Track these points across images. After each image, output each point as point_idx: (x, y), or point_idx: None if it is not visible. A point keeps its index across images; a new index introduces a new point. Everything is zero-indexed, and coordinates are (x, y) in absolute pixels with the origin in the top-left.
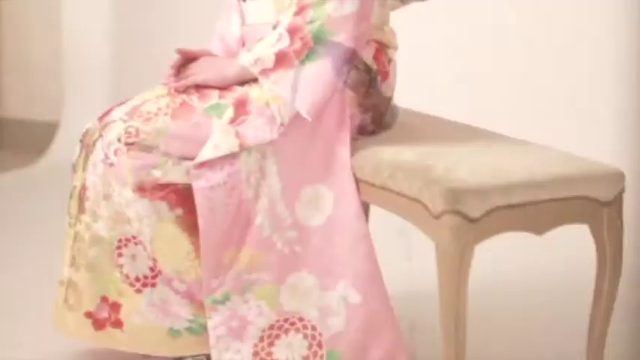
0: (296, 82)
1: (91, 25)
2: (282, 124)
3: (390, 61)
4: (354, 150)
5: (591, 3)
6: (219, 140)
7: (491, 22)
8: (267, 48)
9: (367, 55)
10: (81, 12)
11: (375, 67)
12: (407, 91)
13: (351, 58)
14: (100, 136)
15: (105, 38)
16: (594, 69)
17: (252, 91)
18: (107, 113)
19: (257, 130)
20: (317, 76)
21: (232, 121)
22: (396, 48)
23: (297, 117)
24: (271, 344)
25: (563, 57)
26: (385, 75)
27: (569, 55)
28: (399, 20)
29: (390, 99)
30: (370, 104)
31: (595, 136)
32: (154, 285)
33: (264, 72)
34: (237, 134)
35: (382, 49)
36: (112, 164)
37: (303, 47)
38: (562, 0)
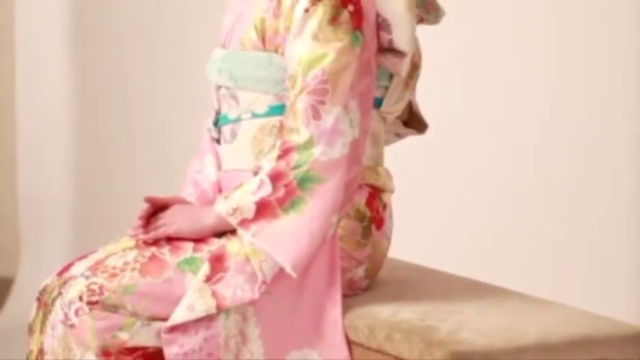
0: (280, 234)
1: (50, 169)
2: (264, 282)
3: (385, 206)
4: (346, 308)
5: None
6: (193, 301)
7: (492, 161)
8: (246, 196)
9: (359, 201)
10: (38, 155)
11: (368, 214)
12: (405, 241)
13: (342, 206)
14: (60, 293)
15: (65, 185)
16: (604, 214)
17: (230, 245)
18: (67, 268)
19: (236, 288)
20: (303, 228)
21: (208, 279)
22: (392, 191)
23: (281, 273)
24: None
25: (569, 205)
26: (380, 223)
27: (576, 202)
28: (396, 158)
29: (386, 250)
30: (364, 256)
31: (610, 290)
32: None
33: (244, 223)
34: (214, 294)
35: (376, 193)
36: (72, 326)
37: (287, 195)
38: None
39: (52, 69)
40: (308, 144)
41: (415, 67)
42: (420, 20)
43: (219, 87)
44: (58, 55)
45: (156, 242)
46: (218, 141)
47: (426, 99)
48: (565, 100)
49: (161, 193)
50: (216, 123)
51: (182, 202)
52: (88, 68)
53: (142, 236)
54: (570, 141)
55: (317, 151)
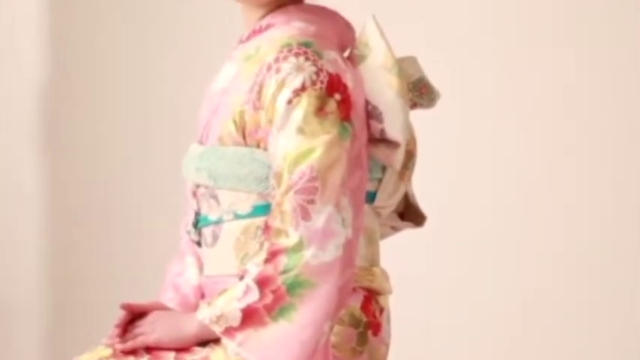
0: (268, 343)
1: (18, 271)
2: None
3: (382, 310)
4: None
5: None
6: None
7: (498, 257)
8: (232, 302)
9: (354, 305)
10: (5, 257)
11: (364, 319)
12: (404, 348)
13: (335, 313)
14: None
15: (35, 289)
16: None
17: (214, 355)
18: None
19: None
20: (293, 336)
21: None
22: (389, 293)
23: None
24: None
25: (577, 310)
26: (377, 328)
27: (586, 308)
28: (392, 256)
29: (384, 357)
30: None
31: None
32: None
33: (229, 331)
34: None
35: (372, 296)
36: None
37: (275, 302)
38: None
39: (24, 163)
40: (298, 247)
41: (410, 157)
42: (414, 105)
43: (197, 186)
44: (30, 150)
45: (134, 351)
46: (199, 244)
47: (423, 188)
48: (573, 186)
49: (139, 298)
50: (195, 224)
51: (162, 308)
52: (63, 164)
53: (119, 346)
54: (582, 233)
55: (307, 254)
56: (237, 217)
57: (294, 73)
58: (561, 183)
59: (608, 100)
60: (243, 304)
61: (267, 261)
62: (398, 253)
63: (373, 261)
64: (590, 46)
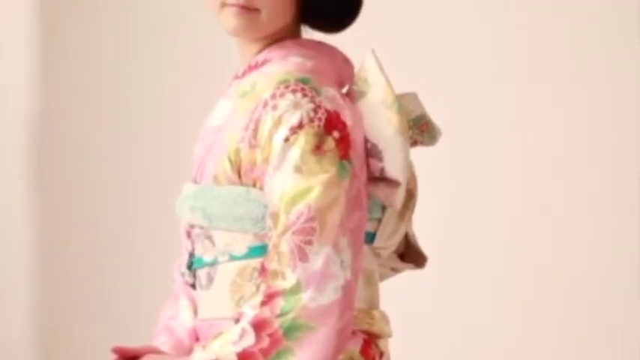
0: None
1: (11, 311)
2: None
3: (381, 354)
4: None
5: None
6: None
7: (499, 300)
8: (227, 346)
9: (353, 349)
10: None
11: None
12: None
13: (333, 357)
14: None
15: (27, 331)
16: None
17: None
18: None
19: None
20: None
21: None
22: (389, 337)
23: None
24: None
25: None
26: None
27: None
28: (393, 299)
29: None
30: None
31: None
32: None
33: None
34: None
35: (371, 340)
36: None
37: (272, 346)
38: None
39: (14, 195)
40: (295, 289)
41: (411, 196)
42: (414, 143)
43: (192, 226)
44: (20, 183)
45: None
46: (193, 286)
47: (424, 228)
48: (572, 227)
49: (134, 341)
50: (190, 266)
51: (155, 351)
52: (54, 198)
53: None
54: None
55: (305, 296)
56: (233, 258)
57: (291, 110)
58: (560, 224)
59: (607, 139)
60: (238, 348)
61: (263, 303)
62: (398, 295)
63: (373, 303)
64: (590, 87)
